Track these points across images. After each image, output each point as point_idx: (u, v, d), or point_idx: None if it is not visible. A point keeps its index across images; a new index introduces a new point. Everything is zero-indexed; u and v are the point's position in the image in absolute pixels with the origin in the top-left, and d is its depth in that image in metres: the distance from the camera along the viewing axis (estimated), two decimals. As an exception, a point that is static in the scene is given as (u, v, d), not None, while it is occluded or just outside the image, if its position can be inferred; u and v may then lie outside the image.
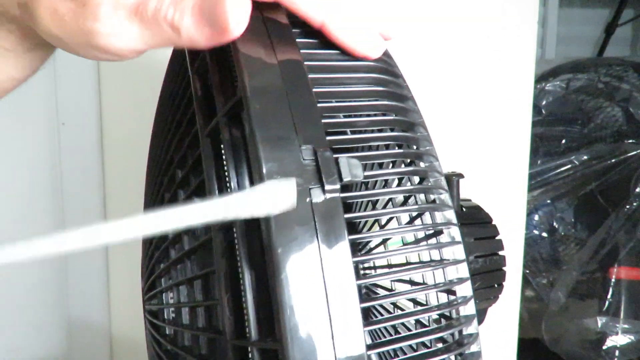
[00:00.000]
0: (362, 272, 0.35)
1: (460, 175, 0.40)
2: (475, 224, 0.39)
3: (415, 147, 0.25)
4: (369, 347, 0.20)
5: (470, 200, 0.42)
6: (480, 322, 0.41)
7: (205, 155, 0.26)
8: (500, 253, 0.39)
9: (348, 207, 0.34)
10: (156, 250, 0.32)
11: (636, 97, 1.25)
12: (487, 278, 0.38)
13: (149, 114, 0.37)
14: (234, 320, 0.23)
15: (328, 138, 0.22)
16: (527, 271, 1.29)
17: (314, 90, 0.23)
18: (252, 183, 0.23)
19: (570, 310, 1.23)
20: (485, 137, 0.73)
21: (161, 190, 0.33)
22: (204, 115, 0.26)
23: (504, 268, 0.39)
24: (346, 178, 0.20)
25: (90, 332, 0.79)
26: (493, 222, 0.40)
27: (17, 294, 0.75)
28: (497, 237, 0.39)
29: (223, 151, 0.25)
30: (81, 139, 0.75)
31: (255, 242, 0.23)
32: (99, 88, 0.74)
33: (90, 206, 0.77)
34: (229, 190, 0.24)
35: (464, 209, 0.40)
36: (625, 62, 1.30)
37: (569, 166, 1.25)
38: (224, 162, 0.25)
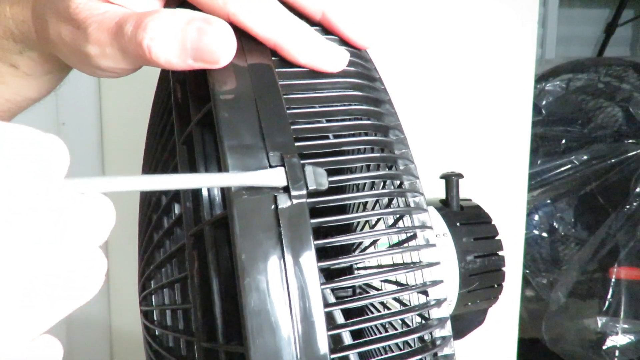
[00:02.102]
0: (356, 272, 0.35)
1: (460, 175, 0.40)
2: (475, 223, 0.39)
3: (389, 150, 0.25)
4: (332, 351, 0.20)
5: (470, 200, 0.42)
6: (481, 322, 0.41)
7: (181, 162, 0.26)
8: (500, 253, 0.39)
9: (341, 209, 0.34)
10: (145, 252, 0.32)
11: (636, 97, 1.25)
12: (486, 278, 0.38)
13: (149, 114, 0.37)
14: (206, 323, 0.23)
15: (298, 144, 0.22)
16: (527, 271, 1.29)
17: (286, 96, 0.23)
18: (222, 190, 0.24)
19: (570, 310, 1.23)
20: (485, 137, 0.73)
21: (148, 193, 0.33)
22: (182, 123, 0.26)
23: (503, 268, 0.39)
24: (311, 187, 0.20)
25: (90, 331, 0.79)
26: (492, 222, 0.40)
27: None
28: (496, 237, 0.39)
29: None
30: (81, 139, 0.75)
31: (225, 248, 0.23)
32: (99, 88, 0.74)
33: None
34: (201, 196, 0.24)
35: (464, 209, 0.40)
36: (625, 62, 1.30)
37: (569, 166, 1.25)
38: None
